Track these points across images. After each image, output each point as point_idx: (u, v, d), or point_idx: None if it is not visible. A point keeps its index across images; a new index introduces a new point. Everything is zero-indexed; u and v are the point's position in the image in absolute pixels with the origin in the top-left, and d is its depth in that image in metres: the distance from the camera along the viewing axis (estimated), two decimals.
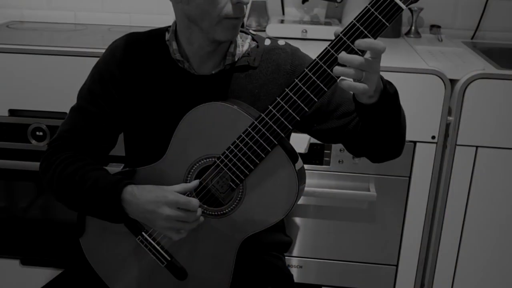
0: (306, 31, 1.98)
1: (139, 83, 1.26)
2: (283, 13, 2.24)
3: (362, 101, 1.10)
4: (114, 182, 1.18)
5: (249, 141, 1.12)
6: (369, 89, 1.04)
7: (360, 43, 1.01)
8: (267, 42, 1.28)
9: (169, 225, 1.15)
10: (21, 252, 2.00)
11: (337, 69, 1.03)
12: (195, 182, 1.18)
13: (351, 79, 1.04)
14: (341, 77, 1.04)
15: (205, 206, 1.19)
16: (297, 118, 1.09)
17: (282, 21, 2.13)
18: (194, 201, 1.15)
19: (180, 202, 1.14)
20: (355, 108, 1.16)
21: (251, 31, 1.31)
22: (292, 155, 1.14)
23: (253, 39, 1.28)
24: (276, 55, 1.26)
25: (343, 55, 1.02)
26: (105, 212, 1.20)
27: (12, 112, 1.83)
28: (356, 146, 1.26)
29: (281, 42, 1.29)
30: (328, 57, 1.05)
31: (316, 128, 1.27)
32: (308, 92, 1.07)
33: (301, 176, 1.15)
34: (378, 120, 1.14)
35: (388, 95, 1.11)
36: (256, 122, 1.11)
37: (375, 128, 1.16)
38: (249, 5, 2.13)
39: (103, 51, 1.30)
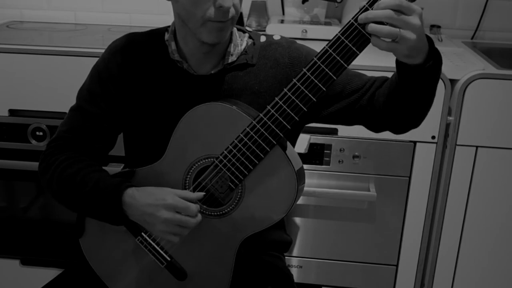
0: (306, 31, 1.99)
1: (138, 83, 1.26)
2: (283, 13, 2.24)
3: (402, 60, 1.06)
4: (115, 185, 1.18)
5: (247, 142, 1.11)
6: (400, 48, 1.01)
7: (380, 3, 0.99)
8: (263, 38, 1.28)
9: (167, 229, 1.15)
10: (21, 252, 2.00)
11: (371, 26, 1.00)
12: (200, 194, 1.17)
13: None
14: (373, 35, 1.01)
15: (205, 206, 1.19)
16: (296, 118, 1.09)
17: (282, 21, 2.13)
18: (193, 207, 1.14)
19: (179, 207, 1.13)
20: (396, 68, 1.10)
21: (247, 28, 1.31)
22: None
23: (249, 37, 1.28)
24: (273, 50, 1.26)
25: (372, 11, 0.99)
26: (105, 215, 1.20)
27: (12, 112, 1.84)
28: (376, 119, 1.22)
29: (276, 37, 1.29)
30: (326, 57, 1.05)
31: (326, 113, 1.25)
32: (306, 91, 1.07)
33: (300, 176, 1.15)
34: (419, 83, 1.09)
35: (434, 56, 1.06)
36: (254, 123, 1.11)
37: (414, 91, 1.11)
38: (248, 5, 2.14)
39: (103, 51, 1.30)
